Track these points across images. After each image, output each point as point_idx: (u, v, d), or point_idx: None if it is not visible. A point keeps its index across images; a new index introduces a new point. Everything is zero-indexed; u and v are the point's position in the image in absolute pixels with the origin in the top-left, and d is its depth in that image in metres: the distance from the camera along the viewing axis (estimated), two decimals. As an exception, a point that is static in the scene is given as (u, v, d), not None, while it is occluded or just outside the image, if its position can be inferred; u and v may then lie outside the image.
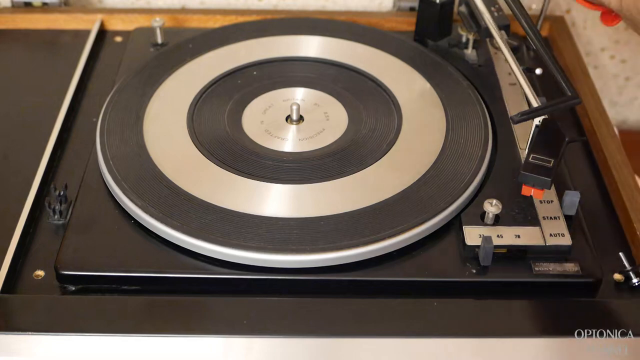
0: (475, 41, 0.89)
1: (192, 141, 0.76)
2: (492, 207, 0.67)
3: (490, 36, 0.82)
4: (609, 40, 1.08)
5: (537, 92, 0.75)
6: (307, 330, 0.62)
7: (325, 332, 0.62)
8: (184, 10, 1.00)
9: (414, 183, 0.71)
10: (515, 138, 0.78)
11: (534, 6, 0.95)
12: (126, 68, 0.87)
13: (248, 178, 0.71)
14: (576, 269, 0.66)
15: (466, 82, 0.83)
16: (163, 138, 0.76)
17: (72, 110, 0.83)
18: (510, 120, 0.72)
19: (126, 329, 0.62)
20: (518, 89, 0.84)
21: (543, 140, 0.69)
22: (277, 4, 1.04)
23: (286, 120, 0.79)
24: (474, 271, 0.65)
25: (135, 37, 0.93)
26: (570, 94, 0.69)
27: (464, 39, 0.90)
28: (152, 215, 0.67)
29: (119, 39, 0.95)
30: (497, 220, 0.68)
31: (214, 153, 0.74)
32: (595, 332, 0.62)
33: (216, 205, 0.68)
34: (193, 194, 0.69)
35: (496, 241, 0.66)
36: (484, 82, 0.85)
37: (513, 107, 0.81)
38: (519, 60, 0.78)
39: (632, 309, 0.64)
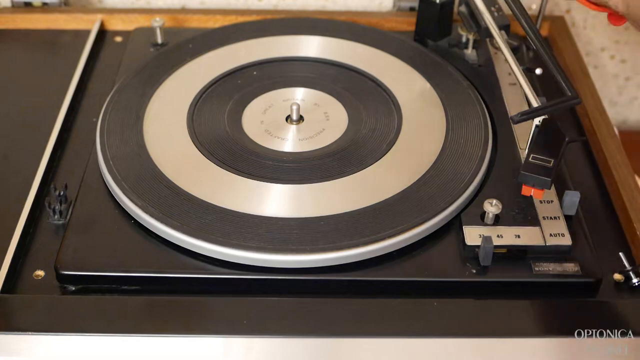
0: (475, 41, 0.89)
1: (192, 141, 0.76)
2: (492, 207, 0.67)
3: (490, 36, 0.82)
4: (609, 40, 1.08)
5: (537, 92, 0.75)
6: (307, 330, 0.62)
7: (325, 332, 0.62)
8: (184, 10, 1.00)
9: (414, 183, 0.71)
10: (515, 138, 0.78)
11: (534, 6, 0.95)
12: (126, 68, 0.87)
13: (248, 178, 0.71)
14: (576, 269, 0.66)
15: (466, 82, 0.83)
16: (163, 138, 0.76)
17: (72, 110, 0.83)
18: (510, 120, 0.72)
19: (126, 329, 0.62)
20: (518, 89, 0.84)
21: (543, 140, 0.69)
22: (277, 4, 1.04)
23: (286, 120, 0.79)
24: (474, 271, 0.65)
25: (135, 37, 0.93)
26: (570, 94, 0.69)
27: (464, 39, 0.90)
28: (152, 215, 0.67)
29: (119, 39, 0.95)
30: (497, 220, 0.68)
31: (214, 153, 0.74)
32: (595, 332, 0.61)
33: (216, 205, 0.68)
34: (193, 194, 0.69)
35: (496, 241, 0.66)
36: (484, 82, 0.85)
37: (513, 107, 0.81)
38: (519, 60, 0.78)
39: (632, 309, 0.64)
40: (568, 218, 0.69)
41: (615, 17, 0.71)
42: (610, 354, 0.62)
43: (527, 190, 0.66)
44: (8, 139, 0.81)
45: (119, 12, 0.97)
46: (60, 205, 0.70)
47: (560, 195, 0.70)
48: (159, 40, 0.91)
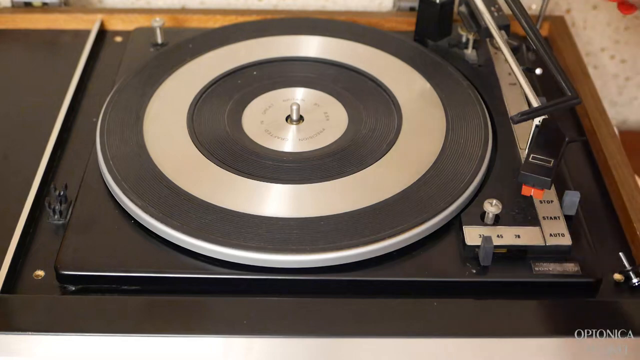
0: (475, 41, 0.89)
1: (192, 141, 0.76)
2: (492, 207, 0.67)
3: (490, 36, 0.82)
4: (609, 40, 1.08)
5: (537, 92, 0.75)
6: (307, 330, 0.62)
7: (325, 332, 0.62)
8: (184, 10, 1.00)
9: (414, 183, 0.71)
10: (515, 138, 0.78)
11: (534, 6, 0.95)
12: (126, 68, 0.87)
13: (248, 178, 0.71)
14: (576, 269, 0.66)
15: (466, 82, 0.83)
16: (163, 138, 0.76)
17: (72, 110, 0.83)
18: (510, 120, 0.72)
19: (126, 329, 0.62)
20: (518, 89, 0.84)
21: (543, 140, 0.69)
22: (277, 4, 1.04)
23: (286, 120, 0.79)
24: (474, 271, 0.65)
25: (135, 37, 0.93)
26: (570, 94, 0.69)
27: (464, 39, 0.90)
28: (152, 215, 0.67)
29: (119, 39, 0.95)
30: (497, 220, 0.68)
31: (214, 153, 0.74)
32: (595, 332, 0.61)
33: (216, 205, 0.68)
34: (193, 194, 0.69)
35: (496, 241, 0.66)
36: (484, 82, 0.85)
37: (513, 107, 0.81)
38: (519, 60, 0.78)
39: (632, 309, 0.64)
40: (568, 218, 0.69)
41: (626, 5, 0.70)
42: (610, 354, 0.62)
43: (527, 190, 0.67)
44: (8, 139, 0.81)
45: (119, 12, 0.97)
46: (60, 205, 0.70)
47: (560, 195, 0.70)
48: (159, 40, 0.91)
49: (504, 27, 0.81)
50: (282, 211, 0.68)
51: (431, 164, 0.73)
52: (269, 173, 0.72)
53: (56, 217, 0.71)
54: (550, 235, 0.67)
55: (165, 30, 0.91)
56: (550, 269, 0.66)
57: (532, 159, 0.67)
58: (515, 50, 0.79)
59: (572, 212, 0.69)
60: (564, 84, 0.70)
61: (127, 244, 0.67)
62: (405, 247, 0.67)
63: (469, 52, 0.89)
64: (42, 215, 0.72)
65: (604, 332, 0.62)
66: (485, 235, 0.66)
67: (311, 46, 0.89)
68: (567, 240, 0.67)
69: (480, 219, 0.68)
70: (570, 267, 0.66)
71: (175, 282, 0.65)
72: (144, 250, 0.67)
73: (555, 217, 0.69)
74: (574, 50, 0.94)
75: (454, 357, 0.62)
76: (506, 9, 0.79)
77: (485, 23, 0.82)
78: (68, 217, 0.70)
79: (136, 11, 0.98)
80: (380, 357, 0.61)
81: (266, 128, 0.78)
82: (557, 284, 0.65)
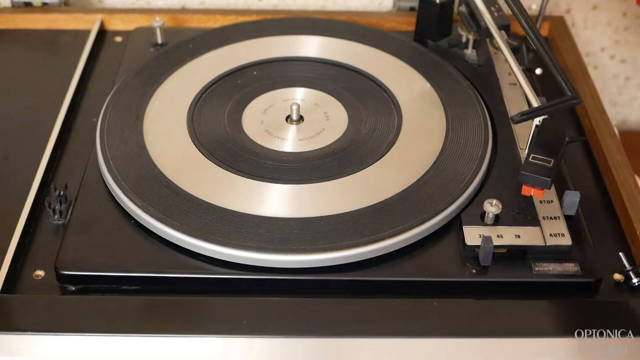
0: (475, 41, 0.89)
1: (192, 141, 0.76)
2: (492, 207, 0.67)
3: (490, 36, 0.82)
4: (609, 40, 1.08)
5: (537, 92, 0.75)
6: (307, 330, 0.62)
7: (325, 332, 0.62)
8: (184, 10, 1.00)
9: (414, 183, 0.71)
10: (515, 138, 0.78)
11: (534, 6, 0.95)
12: (126, 68, 0.87)
13: (248, 178, 0.71)
14: (576, 269, 0.66)
15: (466, 82, 0.83)
16: (163, 138, 0.76)
17: (72, 110, 0.83)
18: (510, 120, 0.72)
19: (126, 329, 0.62)
20: (518, 89, 0.84)
21: (543, 140, 0.69)
22: (277, 4, 1.04)
23: (286, 120, 0.79)
24: (474, 271, 0.65)
25: (135, 37, 0.93)
26: (570, 94, 0.69)
27: (464, 39, 0.90)
28: (152, 215, 0.67)
29: (119, 39, 0.95)
30: (497, 220, 0.68)
31: (214, 153, 0.74)
32: (595, 332, 0.61)
33: (216, 205, 0.68)
34: (193, 194, 0.69)
35: (496, 241, 0.66)
36: (484, 82, 0.85)
37: (513, 107, 0.81)
38: (519, 60, 0.78)
39: (632, 309, 0.64)
40: (568, 218, 0.69)
41: None
42: (610, 354, 0.62)
43: (527, 190, 0.67)
44: (8, 139, 0.81)
45: (119, 12, 0.97)
46: (60, 205, 0.70)
47: (560, 195, 0.70)
48: (159, 40, 0.91)
49: (504, 27, 0.81)
50: (282, 211, 0.68)
51: (431, 164, 0.73)
52: (269, 173, 0.72)
53: (56, 217, 0.71)
54: (550, 235, 0.67)
55: (165, 30, 0.91)
56: (550, 269, 0.66)
57: (532, 159, 0.67)
58: (515, 50, 0.79)
59: (572, 212, 0.69)
60: (564, 84, 0.70)
61: (127, 244, 0.67)
62: (405, 247, 0.67)
63: (469, 52, 0.89)
64: (42, 215, 0.72)
65: (604, 332, 0.62)
66: (485, 235, 0.66)
67: (311, 46, 0.89)
68: (567, 240, 0.67)
69: (480, 219, 0.68)
70: (570, 267, 0.66)
71: (175, 282, 0.65)
72: (144, 250, 0.67)
73: (555, 217, 0.68)
74: (574, 50, 0.94)
75: (454, 357, 0.62)
76: (506, 9, 0.79)
77: (485, 23, 0.82)
78: (68, 217, 0.70)
79: (136, 11, 0.98)
80: (380, 357, 0.61)
81: (266, 128, 0.78)
82: (557, 284, 0.65)
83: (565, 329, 0.62)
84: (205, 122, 0.78)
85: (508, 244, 0.66)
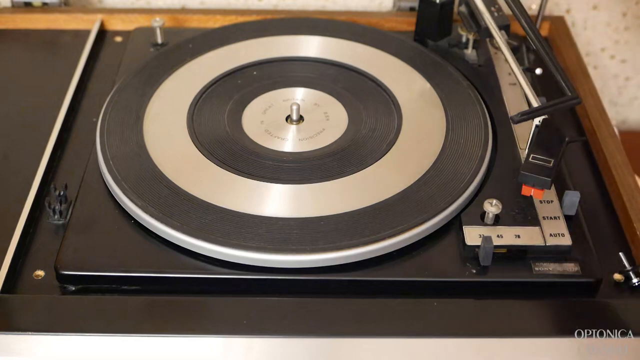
0: (475, 41, 0.89)
1: (192, 141, 0.76)
2: (492, 207, 0.67)
3: (490, 36, 0.82)
4: (609, 40, 1.08)
5: (537, 92, 0.75)
6: (307, 330, 0.62)
7: (325, 332, 0.62)
8: (184, 10, 1.00)
9: (414, 183, 0.71)
10: (515, 138, 0.78)
11: (534, 6, 0.95)
12: (126, 68, 0.87)
13: (248, 178, 0.71)
14: (576, 269, 0.66)
15: (466, 82, 0.83)
16: (163, 138, 0.76)
17: (72, 110, 0.83)
18: (510, 120, 0.72)
19: (126, 329, 0.62)
20: (518, 89, 0.84)
21: (543, 140, 0.69)
22: (277, 4, 1.04)
23: (286, 120, 0.79)
24: (474, 271, 0.65)
25: (135, 37, 0.93)
26: (570, 94, 0.69)
27: (464, 39, 0.90)
28: (152, 215, 0.67)
29: (119, 39, 0.95)
30: (497, 220, 0.68)
31: (214, 153, 0.74)
32: (595, 332, 0.61)
33: (216, 205, 0.68)
34: (193, 194, 0.69)
35: (496, 241, 0.66)
36: (484, 82, 0.85)
37: (513, 107, 0.81)
38: (519, 60, 0.78)
39: (632, 309, 0.64)
40: (568, 218, 0.69)
41: None
42: (610, 354, 0.62)
43: (527, 190, 0.67)
44: (8, 139, 0.81)
45: (119, 12, 0.97)
46: (60, 205, 0.70)
47: (560, 195, 0.70)
48: (159, 40, 0.91)
49: (504, 27, 0.81)
50: (282, 211, 0.68)
51: (431, 164, 0.73)
52: (269, 173, 0.72)
53: (56, 217, 0.71)
54: (550, 235, 0.67)
55: (165, 30, 0.91)
56: (550, 269, 0.66)
57: (532, 159, 0.67)
58: (515, 50, 0.79)
59: (572, 212, 0.69)
60: (564, 84, 0.70)
61: (127, 244, 0.67)
62: (405, 247, 0.67)
63: (469, 52, 0.89)
64: (42, 215, 0.72)
65: (604, 332, 0.62)
66: (485, 235, 0.66)
67: (311, 46, 0.89)
68: (567, 240, 0.67)
69: (480, 219, 0.68)
70: (570, 267, 0.66)
71: (175, 282, 0.65)
72: (144, 250, 0.67)
73: (555, 217, 0.68)
74: (574, 50, 0.94)
75: (454, 357, 0.62)
76: (506, 9, 0.79)
77: (485, 23, 0.82)
78: (68, 217, 0.70)
79: (136, 11, 0.98)
80: (380, 357, 0.61)
81: (266, 128, 0.78)
82: (557, 284, 0.65)
83: (565, 329, 0.62)
84: (205, 122, 0.79)
85: (508, 244, 0.66)
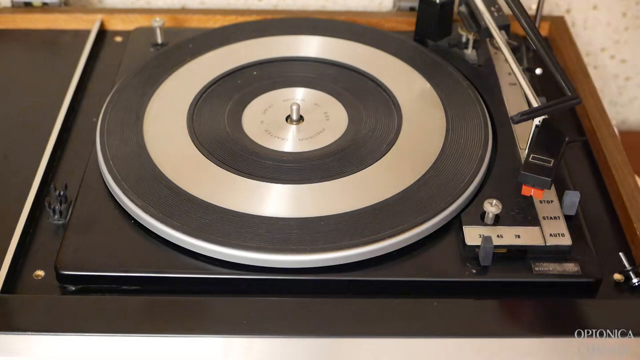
0: (475, 41, 0.89)
1: (192, 141, 0.76)
2: (492, 207, 0.67)
3: (490, 36, 0.82)
4: (609, 40, 1.08)
5: (537, 92, 0.75)
6: (307, 330, 0.62)
7: (325, 332, 0.62)
8: (184, 10, 1.00)
9: (414, 183, 0.71)
10: (515, 138, 0.78)
11: (533, 6, 0.95)
12: (126, 68, 0.87)
13: (248, 178, 0.71)
14: (576, 269, 0.66)
15: (466, 82, 0.83)
16: (163, 138, 0.76)
17: (72, 110, 0.83)
18: (510, 120, 0.72)
19: (126, 329, 0.62)
20: (518, 89, 0.84)
21: (543, 140, 0.69)
22: (277, 4, 1.04)
23: (286, 120, 0.79)
24: (474, 271, 0.65)
25: (135, 37, 0.93)
26: (570, 94, 0.69)
27: (464, 39, 0.90)
28: (152, 215, 0.67)
29: (119, 39, 0.95)
30: (497, 220, 0.68)
31: (214, 153, 0.74)
32: (595, 332, 0.61)
33: (216, 205, 0.68)
34: (193, 194, 0.69)
35: (496, 241, 0.66)
36: (484, 82, 0.85)
37: (513, 107, 0.81)
38: (519, 60, 0.78)
39: (632, 309, 0.64)
40: (568, 218, 0.69)
41: None
42: (610, 354, 0.62)
43: (527, 190, 0.66)
44: (8, 139, 0.81)
45: (119, 12, 0.97)
46: (60, 205, 0.70)
47: (560, 195, 0.70)
48: (159, 40, 0.91)
49: (504, 27, 0.81)
50: (282, 211, 0.68)
51: (431, 164, 0.73)
52: (269, 173, 0.72)
53: (56, 217, 0.70)
54: (550, 235, 0.67)
55: (165, 30, 0.91)
56: (550, 269, 0.66)
57: (532, 159, 0.67)
58: (515, 50, 0.79)
59: (572, 212, 0.69)
60: (564, 84, 0.70)
61: (127, 244, 0.67)
62: (405, 247, 0.67)
63: (469, 52, 0.89)
64: (42, 215, 0.72)
65: (604, 332, 0.62)
66: (485, 235, 0.66)
67: (311, 46, 0.89)
68: (567, 240, 0.67)
69: (480, 219, 0.68)
70: (570, 267, 0.66)
71: (175, 282, 0.65)
72: (144, 250, 0.67)
73: (555, 217, 0.68)
74: (574, 50, 0.94)
75: (454, 357, 0.62)
76: (506, 9, 0.79)
77: (485, 23, 0.82)
78: (68, 217, 0.70)
79: (136, 11, 0.98)
80: (380, 357, 0.61)
81: (266, 128, 0.78)
82: (557, 284, 0.65)
83: (565, 329, 0.62)
84: (205, 122, 0.78)
85: (508, 244, 0.66)
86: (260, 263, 0.65)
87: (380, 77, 0.84)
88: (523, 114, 0.68)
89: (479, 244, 0.66)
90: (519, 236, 0.67)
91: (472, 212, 0.69)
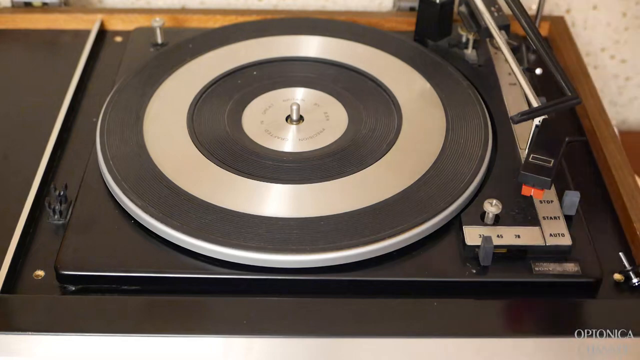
0: (475, 41, 0.89)
1: (192, 141, 0.76)
2: (492, 207, 0.67)
3: (490, 36, 0.82)
4: (609, 40, 1.08)
5: (537, 92, 0.75)
6: (307, 330, 0.62)
7: (325, 332, 0.62)
8: (184, 10, 1.00)
9: (414, 183, 0.71)
10: (515, 138, 0.78)
11: (533, 6, 0.95)
12: (126, 68, 0.87)
13: (248, 178, 0.71)
14: (576, 269, 0.66)
15: (466, 82, 0.83)
16: (163, 138, 0.76)
17: (72, 110, 0.83)
18: (510, 120, 0.72)
19: (126, 329, 0.62)
20: (518, 89, 0.84)
21: (543, 140, 0.69)
22: (277, 4, 1.04)
23: (286, 120, 0.79)
24: (474, 271, 0.65)
25: (135, 37, 0.93)
26: (570, 94, 0.69)
27: (464, 39, 0.90)
28: (152, 215, 0.67)
29: (119, 39, 0.95)
30: (497, 220, 0.68)
31: (214, 153, 0.74)
32: (595, 332, 0.61)
33: (216, 205, 0.68)
34: (193, 194, 0.69)
35: (496, 241, 0.66)
36: (484, 82, 0.85)
37: (513, 107, 0.81)
38: (519, 60, 0.78)
39: (632, 309, 0.64)
40: (568, 218, 0.69)
41: None
42: (610, 354, 0.62)
43: (527, 190, 0.67)
44: (8, 139, 0.81)
45: (119, 12, 0.97)
46: (60, 205, 0.70)
47: (560, 195, 0.70)
48: (159, 40, 0.91)
49: (504, 27, 0.81)
50: (282, 211, 0.68)
51: (431, 164, 0.73)
52: (269, 173, 0.72)
53: (56, 217, 0.70)
54: (550, 235, 0.67)
55: (165, 30, 0.91)
56: (550, 269, 0.66)
57: (532, 159, 0.67)
58: (515, 50, 0.79)
59: (572, 212, 0.69)
60: (564, 84, 0.70)
61: (127, 244, 0.67)
62: (405, 247, 0.67)
63: (469, 52, 0.89)
64: (42, 215, 0.72)
65: (604, 332, 0.62)
66: (485, 235, 0.66)
67: (311, 46, 0.89)
68: (567, 240, 0.67)
69: (480, 219, 0.68)
70: (570, 267, 0.66)
71: (175, 282, 0.65)
72: (144, 250, 0.67)
73: (555, 217, 0.69)
74: (574, 50, 0.94)
75: (454, 357, 0.62)
76: (506, 9, 0.79)
77: (485, 23, 0.82)
78: (68, 217, 0.70)
79: (136, 11, 0.98)
80: (380, 357, 0.61)
81: (266, 128, 0.78)
82: (557, 284, 0.65)
83: (565, 329, 0.62)
84: (205, 122, 0.79)
85: (508, 244, 0.66)
86: (260, 263, 0.65)
87: (380, 77, 0.84)
88: (523, 114, 0.68)
89: (479, 244, 0.66)
90: (519, 236, 0.67)
91: (472, 212, 0.69)
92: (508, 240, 0.66)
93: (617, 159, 0.77)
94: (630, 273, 0.66)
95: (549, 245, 0.66)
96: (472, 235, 0.67)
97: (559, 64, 0.71)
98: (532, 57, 0.89)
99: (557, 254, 0.66)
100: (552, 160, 0.66)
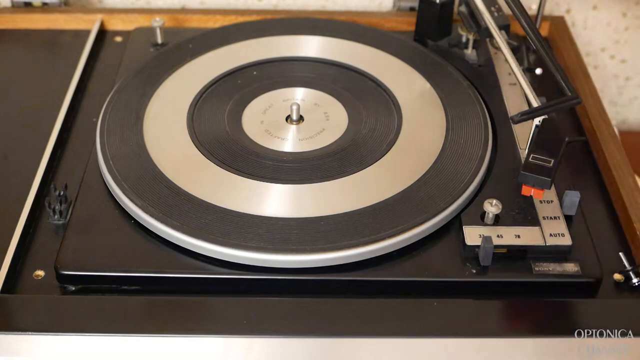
0: (475, 41, 0.89)
1: (192, 141, 0.76)
2: (492, 207, 0.67)
3: (490, 36, 0.82)
4: (609, 40, 1.08)
5: (537, 92, 0.75)
6: (307, 330, 0.62)
7: (325, 332, 0.62)
8: (184, 10, 1.00)
9: (414, 183, 0.71)
10: (515, 138, 0.78)
11: (533, 6, 0.95)
12: (126, 68, 0.87)
13: (248, 178, 0.71)
14: (576, 269, 0.66)
15: (466, 82, 0.83)
16: (163, 138, 0.76)
17: (72, 110, 0.83)
18: (510, 120, 0.72)
19: (126, 329, 0.62)
20: (518, 89, 0.84)
21: (543, 140, 0.69)
22: (277, 4, 1.04)
23: (286, 120, 0.79)
24: (474, 271, 0.65)
25: (135, 37, 0.93)
26: (570, 94, 0.69)
27: (464, 39, 0.90)
28: (152, 215, 0.67)
29: (119, 39, 0.95)
30: (497, 220, 0.68)
31: (214, 153, 0.74)
32: (595, 332, 0.61)
33: (216, 205, 0.68)
34: (193, 194, 0.69)
35: (496, 241, 0.66)
36: (484, 82, 0.85)
37: (513, 107, 0.81)
38: (519, 60, 0.78)
39: (632, 309, 0.64)
40: (568, 218, 0.69)
41: None
42: (610, 353, 0.62)
43: (527, 190, 0.67)
44: (8, 139, 0.81)
45: (119, 12, 0.97)
46: (60, 205, 0.70)
47: (560, 195, 0.70)
48: (159, 40, 0.91)
49: (504, 27, 0.81)
50: (282, 211, 0.68)
51: (431, 164, 0.73)
52: (269, 173, 0.72)
53: (56, 217, 0.70)
54: (550, 235, 0.67)
55: (165, 30, 0.91)
56: (550, 269, 0.66)
57: (532, 159, 0.67)
58: (515, 50, 0.79)
59: (572, 212, 0.69)
60: (564, 84, 0.70)
61: (127, 244, 0.67)
62: (405, 247, 0.67)
63: (469, 52, 0.89)
64: (42, 215, 0.72)
65: (604, 332, 0.62)
66: (485, 235, 0.66)
67: (311, 46, 0.89)
68: (567, 240, 0.67)
69: (480, 219, 0.68)
70: (570, 267, 0.66)
71: (175, 282, 0.65)
72: (144, 250, 0.67)
73: (555, 217, 0.69)
74: (574, 50, 0.94)
75: (454, 357, 0.62)
76: (506, 9, 0.79)
77: (485, 23, 0.82)
78: (68, 217, 0.70)
79: (136, 11, 0.98)
80: (380, 357, 0.61)
81: (266, 128, 0.78)
82: (557, 284, 0.65)
83: (565, 329, 0.62)
84: (205, 122, 0.79)
85: (508, 244, 0.66)
86: (260, 263, 0.65)
87: (380, 77, 0.84)
88: (523, 114, 0.68)
89: (479, 244, 0.66)
90: (519, 236, 0.67)
91: (472, 212, 0.69)
92: (508, 240, 0.66)
93: (617, 158, 0.77)
94: (630, 273, 0.66)
95: (549, 245, 0.66)
96: (472, 235, 0.67)
97: (559, 64, 0.71)
98: (532, 57, 0.89)
99: (557, 254, 0.66)
100: (552, 160, 0.66)
